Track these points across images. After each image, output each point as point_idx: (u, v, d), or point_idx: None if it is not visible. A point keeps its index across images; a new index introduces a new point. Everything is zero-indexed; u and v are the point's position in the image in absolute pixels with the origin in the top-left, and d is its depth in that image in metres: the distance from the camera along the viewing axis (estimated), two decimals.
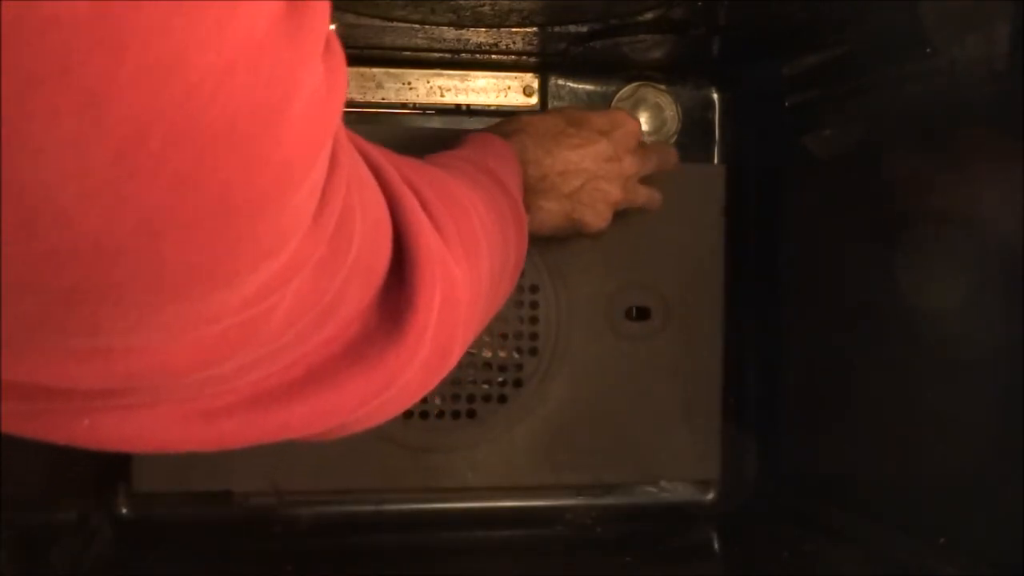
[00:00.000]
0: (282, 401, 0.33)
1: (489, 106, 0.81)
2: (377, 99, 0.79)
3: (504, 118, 0.70)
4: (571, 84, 0.82)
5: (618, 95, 0.82)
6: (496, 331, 0.78)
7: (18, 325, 0.22)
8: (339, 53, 0.27)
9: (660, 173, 0.74)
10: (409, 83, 0.80)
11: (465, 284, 0.42)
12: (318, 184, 0.27)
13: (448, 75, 0.81)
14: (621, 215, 0.73)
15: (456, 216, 0.44)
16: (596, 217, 0.68)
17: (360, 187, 0.34)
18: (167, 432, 0.31)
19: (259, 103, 0.22)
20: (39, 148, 0.19)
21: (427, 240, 0.38)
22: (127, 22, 0.19)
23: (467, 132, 0.66)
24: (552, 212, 0.66)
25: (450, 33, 0.72)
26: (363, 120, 0.79)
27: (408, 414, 0.77)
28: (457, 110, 0.81)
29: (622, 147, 0.68)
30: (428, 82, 0.80)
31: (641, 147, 0.71)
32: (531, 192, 0.64)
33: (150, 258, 0.22)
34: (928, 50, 0.60)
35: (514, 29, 0.72)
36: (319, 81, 0.24)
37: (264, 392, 0.33)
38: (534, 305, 0.79)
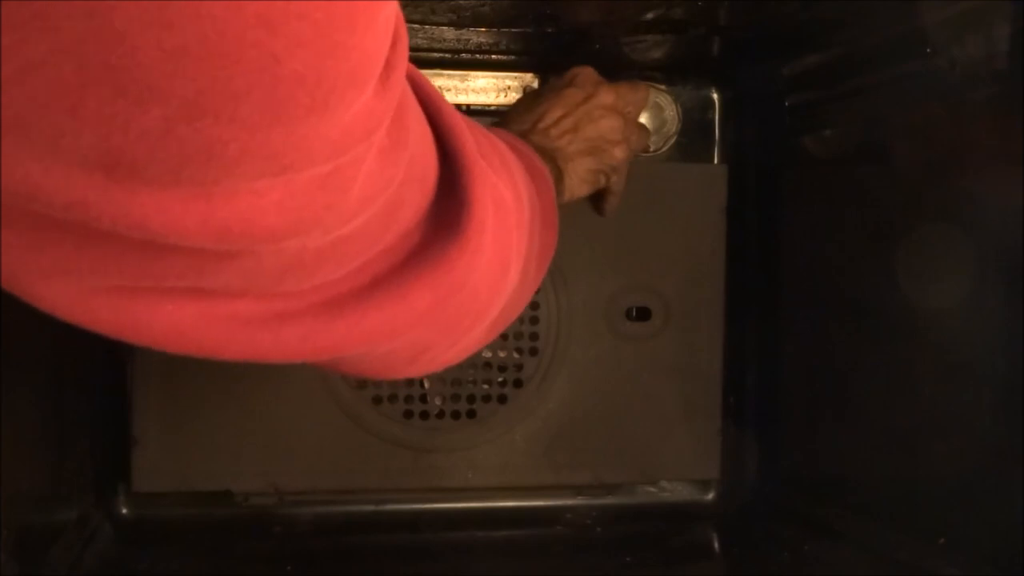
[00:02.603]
0: (351, 308, 0.35)
1: (489, 106, 0.81)
2: None
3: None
4: None
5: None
6: None
7: (140, 142, 0.23)
8: None
9: (659, 171, 0.75)
10: None
11: (509, 192, 0.43)
12: (388, 32, 0.28)
13: (448, 75, 0.81)
14: (622, 215, 0.73)
15: (491, 141, 0.46)
16: (619, 148, 0.69)
17: (409, 93, 0.36)
18: (239, 334, 0.33)
19: None
20: None
21: (472, 150, 0.40)
22: None
23: None
24: (579, 167, 0.68)
25: (450, 33, 0.72)
26: None
27: (408, 414, 0.78)
28: (457, 110, 0.81)
29: (589, 84, 0.70)
30: None
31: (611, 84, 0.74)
32: (551, 156, 0.65)
33: (266, 61, 0.23)
34: (928, 50, 0.60)
35: (514, 29, 0.72)
36: None
37: (332, 300, 0.35)
38: (534, 305, 0.79)
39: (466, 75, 0.81)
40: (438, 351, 0.43)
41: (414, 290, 0.36)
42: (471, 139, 0.41)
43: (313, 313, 0.34)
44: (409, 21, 0.69)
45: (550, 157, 0.65)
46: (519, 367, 0.79)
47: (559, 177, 0.65)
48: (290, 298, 0.34)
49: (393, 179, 0.33)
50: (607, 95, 0.70)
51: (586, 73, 0.71)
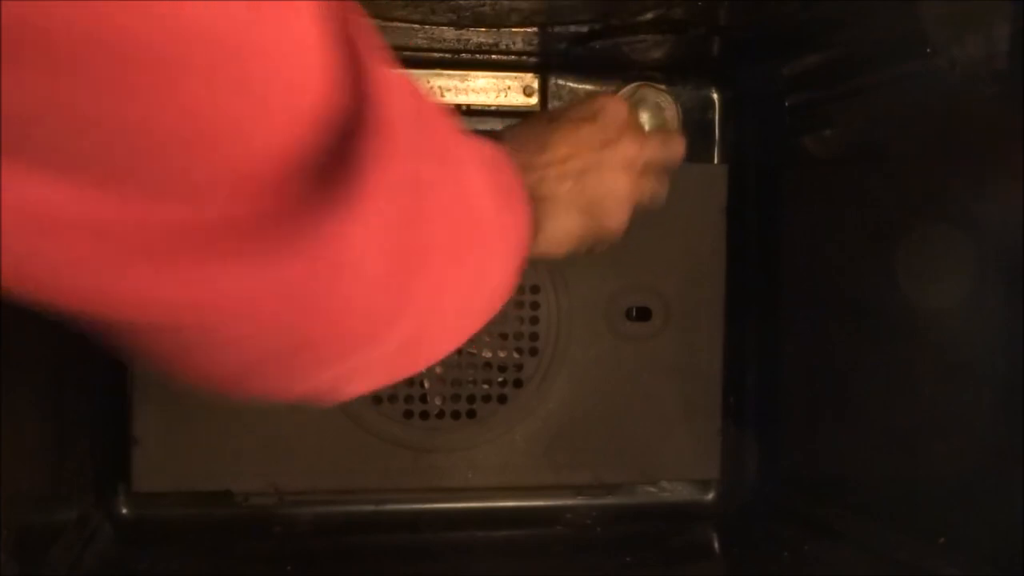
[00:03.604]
0: (200, 257, 0.27)
1: (489, 106, 0.81)
2: None
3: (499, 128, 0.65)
4: (571, 84, 0.82)
5: (618, 95, 0.82)
6: (496, 331, 0.78)
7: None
8: None
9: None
10: None
11: (438, 174, 0.35)
12: None
13: (448, 75, 0.81)
14: None
15: (445, 136, 0.38)
16: (616, 216, 0.60)
17: None
18: (44, 240, 0.25)
19: None
20: None
21: (401, 106, 0.32)
22: None
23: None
24: (559, 227, 0.57)
25: (450, 33, 0.72)
26: None
27: (408, 414, 0.78)
28: (457, 110, 0.81)
29: (612, 128, 0.59)
30: (428, 82, 0.80)
31: (641, 132, 0.63)
32: (538, 202, 0.56)
33: None
34: (928, 50, 0.60)
35: (514, 29, 0.72)
36: None
37: (175, 236, 0.27)
38: (534, 305, 0.79)
39: (466, 75, 0.81)
40: (324, 352, 0.34)
41: (280, 257, 0.29)
42: (402, 100, 0.32)
43: (146, 247, 0.26)
44: (409, 21, 0.69)
45: (536, 206, 0.54)
46: (519, 367, 0.79)
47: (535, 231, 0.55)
48: (121, 203, 0.25)
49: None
50: (630, 147, 0.59)
51: (613, 110, 0.60)
